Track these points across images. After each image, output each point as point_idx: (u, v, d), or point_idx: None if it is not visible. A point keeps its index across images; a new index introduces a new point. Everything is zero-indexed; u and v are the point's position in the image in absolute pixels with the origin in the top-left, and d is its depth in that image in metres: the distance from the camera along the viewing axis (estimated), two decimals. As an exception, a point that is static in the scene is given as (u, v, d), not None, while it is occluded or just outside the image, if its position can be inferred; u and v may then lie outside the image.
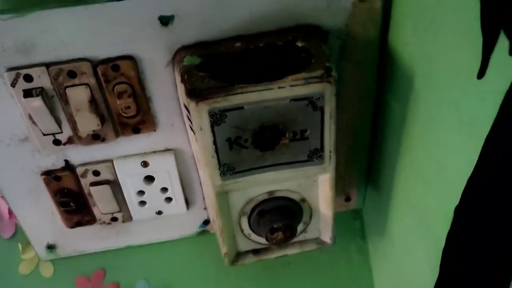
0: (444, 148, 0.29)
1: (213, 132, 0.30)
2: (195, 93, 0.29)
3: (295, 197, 0.36)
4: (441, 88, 0.29)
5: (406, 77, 0.33)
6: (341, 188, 0.45)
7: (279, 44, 0.33)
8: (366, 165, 0.44)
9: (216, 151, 0.31)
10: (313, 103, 0.30)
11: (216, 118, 0.30)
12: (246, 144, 0.31)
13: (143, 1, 0.31)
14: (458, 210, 0.29)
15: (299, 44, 0.32)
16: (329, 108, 0.30)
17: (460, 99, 0.27)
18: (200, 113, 0.29)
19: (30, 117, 0.34)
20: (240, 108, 0.29)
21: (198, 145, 0.31)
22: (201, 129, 0.30)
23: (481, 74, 0.25)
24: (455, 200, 0.29)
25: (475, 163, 0.26)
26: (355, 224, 0.47)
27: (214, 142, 0.31)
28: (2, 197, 0.45)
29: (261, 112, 0.30)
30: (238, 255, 0.39)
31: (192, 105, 0.29)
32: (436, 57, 0.29)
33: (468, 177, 0.27)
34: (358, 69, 0.37)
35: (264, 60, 0.31)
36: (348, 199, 0.46)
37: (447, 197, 0.30)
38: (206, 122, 0.30)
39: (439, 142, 0.30)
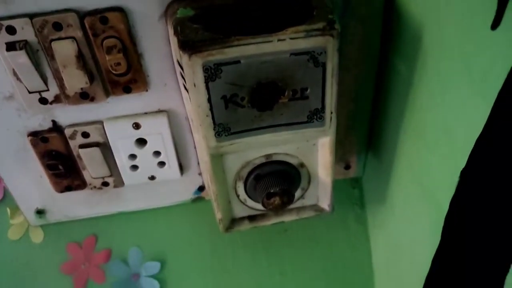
0: (452, 109, 0.28)
1: (207, 88, 0.28)
2: (188, 45, 0.27)
3: (294, 161, 0.35)
4: (451, 44, 0.27)
5: (414, 34, 0.31)
6: (340, 155, 0.43)
7: (279, -5, 0.30)
8: (367, 131, 0.42)
9: (211, 109, 0.29)
10: (315, 58, 0.28)
11: (211, 73, 0.28)
12: (243, 103, 0.30)
13: None
14: (464, 173, 0.28)
15: (300, -5, 0.30)
16: (331, 64, 0.29)
17: (471, 54, 0.25)
18: (194, 67, 0.27)
19: (15, 73, 0.32)
20: (236, 62, 0.28)
21: (192, 103, 0.29)
22: (194, 85, 0.28)
23: (495, 24, 0.23)
24: (461, 164, 0.27)
25: (484, 123, 0.25)
26: (354, 193, 0.46)
27: (209, 100, 0.29)
28: (-11, 160, 0.43)
29: (259, 67, 0.28)
30: (233, 222, 0.38)
31: (185, 59, 0.27)
32: (446, 9, 0.27)
33: (476, 139, 0.26)
34: (361, 26, 0.35)
35: (263, 11, 0.29)
36: (347, 167, 0.45)
37: (452, 161, 0.28)
38: (200, 77, 0.28)
39: (447, 102, 0.28)
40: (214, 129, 0.31)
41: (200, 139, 0.31)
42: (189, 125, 0.38)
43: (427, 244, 0.34)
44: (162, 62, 0.34)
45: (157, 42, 0.33)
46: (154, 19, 0.32)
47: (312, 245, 0.46)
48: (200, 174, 0.42)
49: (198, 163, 0.41)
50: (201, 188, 0.43)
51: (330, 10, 0.28)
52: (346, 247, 0.46)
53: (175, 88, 0.35)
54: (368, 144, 0.43)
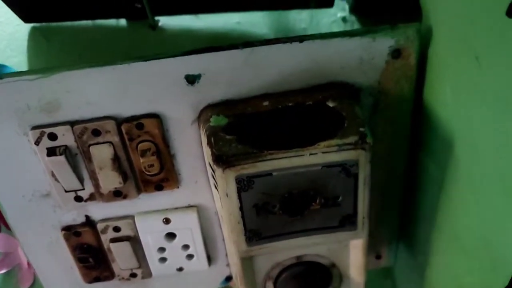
0: (490, 223, 0.27)
1: (239, 198, 0.29)
2: (221, 159, 0.27)
3: (325, 262, 0.34)
4: (485, 156, 0.27)
5: (445, 140, 0.31)
6: (371, 245, 0.42)
7: (309, 104, 0.31)
8: (397, 223, 0.41)
9: (242, 216, 0.30)
10: (347, 170, 0.28)
11: (243, 185, 0.28)
12: (274, 210, 0.30)
13: (170, 60, 0.30)
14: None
15: (330, 104, 0.31)
16: (364, 174, 0.29)
17: (507, 170, 0.25)
18: (227, 180, 0.28)
19: (53, 174, 0.33)
20: (268, 174, 0.28)
21: (224, 211, 0.29)
22: (227, 195, 0.28)
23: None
24: (504, 280, 0.26)
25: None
26: (385, 284, 0.45)
27: (241, 208, 0.29)
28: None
29: (291, 178, 0.28)
30: (262, 320, 0.37)
31: (218, 172, 0.28)
32: (479, 123, 0.27)
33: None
34: (390, 126, 0.35)
35: (294, 122, 0.30)
36: (378, 256, 0.43)
37: (493, 276, 0.27)
38: (232, 188, 0.28)
39: (484, 215, 0.28)
40: (245, 235, 0.31)
41: (231, 243, 0.31)
42: (218, 219, 0.38)
43: None
44: (194, 162, 0.35)
45: (189, 144, 0.34)
46: (187, 124, 0.33)
47: None
48: (228, 265, 0.41)
49: (226, 255, 0.41)
50: (228, 278, 0.43)
51: (361, 122, 0.29)
52: None
53: (206, 184, 0.36)
54: (399, 234, 0.42)
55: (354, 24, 0.52)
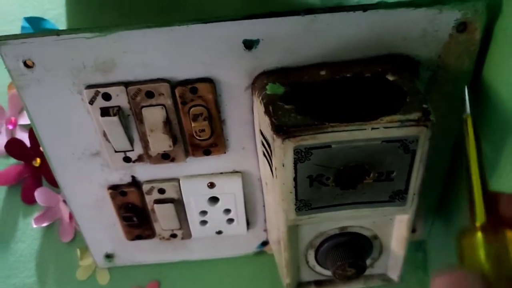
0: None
1: (295, 169, 0.29)
2: (281, 130, 0.27)
3: (368, 233, 0.34)
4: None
5: (503, 121, 0.30)
6: (407, 219, 0.42)
7: (367, 76, 0.31)
8: (437, 199, 0.41)
9: (295, 187, 0.30)
10: (406, 146, 0.28)
11: (301, 156, 0.28)
12: (328, 182, 0.30)
13: (229, 24, 0.30)
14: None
15: (390, 77, 0.30)
16: (421, 151, 0.28)
17: None
18: (285, 150, 0.28)
19: (104, 134, 0.33)
20: (327, 146, 0.28)
21: (277, 181, 0.29)
22: (283, 165, 0.28)
23: None
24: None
25: None
26: (417, 256, 0.45)
27: (295, 179, 0.29)
28: (64, 201, 0.45)
29: (349, 151, 0.28)
30: (299, 285, 0.38)
31: (277, 142, 0.27)
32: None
33: None
34: (445, 101, 0.34)
35: (353, 94, 0.29)
36: (413, 230, 0.44)
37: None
38: (290, 159, 0.28)
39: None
40: (295, 204, 0.31)
41: (280, 211, 0.32)
42: (261, 185, 0.38)
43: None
44: (243, 128, 0.34)
45: (240, 110, 0.34)
46: (240, 90, 0.32)
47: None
48: (265, 230, 0.42)
49: (265, 220, 0.41)
50: (264, 243, 0.43)
51: (424, 98, 0.28)
52: (407, 311, 0.45)
53: (252, 151, 0.36)
54: (436, 209, 0.42)
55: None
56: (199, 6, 0.51)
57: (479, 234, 0.17)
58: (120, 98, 0.32)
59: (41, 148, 0.45)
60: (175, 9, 0.50)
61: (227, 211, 0.39)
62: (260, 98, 0.30)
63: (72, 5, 0.51)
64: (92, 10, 0.51)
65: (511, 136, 0.30)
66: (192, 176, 0.37)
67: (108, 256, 0.43)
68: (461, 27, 0.30)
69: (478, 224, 0.18)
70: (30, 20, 0.48)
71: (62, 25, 0.50)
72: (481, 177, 0.18)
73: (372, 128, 0.27)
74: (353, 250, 0.34)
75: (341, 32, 0.30)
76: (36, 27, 0.48)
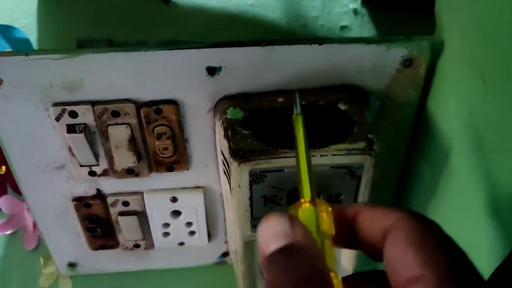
0: (476, 235, 0.30)
1: (250, 189, 0.31)
2: (238, 154, 0.29)
3: (319, 249, 0.37)
4: (480, 174, 0.29)
5: (443, 149, 0.33)
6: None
7: (321, 104, 0.33)
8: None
9: (251, 205, 0.32)
10: (352, 172, 0.30)
11: (256, 178, 0.30)
12: (281, 202, 0.32)
13: (193, 51, 0.31)
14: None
15: (342, 107, 0.33)
16: (367, 177, 0.31)
17: (498, 190, 0.27)
18: (241, 173, 0.30)
19: (70, 149, 0.35)
20: (280, 170, 0.30)
21: (234, 199, 0.32)
22: (239, 186, 0.30)
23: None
24: None
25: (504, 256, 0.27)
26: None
27: (250, 198, 0.31)
28: (28, 210, 0.46)
29: (300, 175, 0.30)
30: (256, 296, 0.40)
31: (234, 165, 0.29)
32: (478, 141, 0.29)
33: (496, 267, 0.28)
34: (392, 129, 0.37)
35: (307, 122, 0.31)
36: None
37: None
38: (245, 180, 0.30)
39: (471, 228, 0.30)
40: (251, 222, 0.33)
41: (236, 228, 0.34)
42: (222, 200, 0.40)
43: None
44: (205, 147, 0.36)
45: (203, 130, 0.35)
46: (203, 112, 0.34)
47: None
48: (225, 242, 0.44)
49: (225, 233, 0.43)
50: (225, 254, 0.45)
51: (370, 128, 0.31)
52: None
53: (214, 168, 0.38)
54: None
55: (364, 16, 0.53)
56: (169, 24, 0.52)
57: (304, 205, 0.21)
58: (86, 116, 0.33)
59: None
60: (146, 25, 0.52)
61: (189, 224, 0.41)
62: (221, 121, 0.32)
63: (43, 14, 0.52)
64: (64, 20, 0.52)
65: (448, 164, 0.33)
66: (155, 190, 0.39)
67: (71, 265, 0.44)
68: (407, 62, 0.33)
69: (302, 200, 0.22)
70: (0, 28, 0.48)
71: (32, 34, 0.51)
72: (308, 167, 0.23)
73: (321, 155, 0.30)
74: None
75: (298, 62, 0.33)
76: (7, 35, 0.49)
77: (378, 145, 0.30)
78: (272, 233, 0.20)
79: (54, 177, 0.37)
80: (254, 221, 0.33)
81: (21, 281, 0.45)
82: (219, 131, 0.33)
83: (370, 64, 0.33)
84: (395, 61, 0.33)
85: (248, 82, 0.33)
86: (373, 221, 0.20)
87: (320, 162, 0.30)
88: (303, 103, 0.33)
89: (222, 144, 0.32)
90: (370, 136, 0.30)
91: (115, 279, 0.46)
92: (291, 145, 0.30)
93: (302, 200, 0.23)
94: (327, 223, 0.21)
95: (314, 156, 0.29)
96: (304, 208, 0.22)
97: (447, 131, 0.33)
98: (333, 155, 0.29)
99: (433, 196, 0.35)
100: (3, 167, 0.46)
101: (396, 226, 0.19)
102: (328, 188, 0.31)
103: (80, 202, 0.39)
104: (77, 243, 0.42)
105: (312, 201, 0.22)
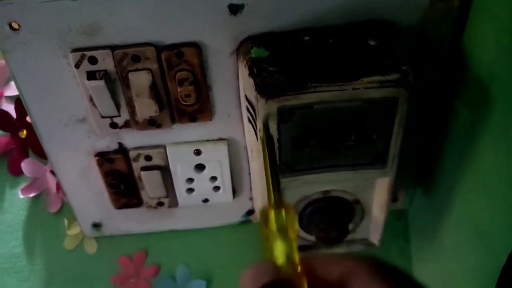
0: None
1: (278, 130, 0.29)
2: (265, 90, 0.28)
3: (349, 198, 0.35)
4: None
5: (482, 84, 0.31)
6: (389, 188, 0.44)
7: (350, 41, 0.31)
8: (417, 166, 0.42)
9: (279, 148, 0.30)
10: (386, 107, 0.29)
11: (284, 116, 0.29)
12: (310, 144, 0.30)
13: (214, -12, 0.30)
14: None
15: (371, 42, 0.31)
16: (401, 113, 0.29)
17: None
18: (269, 110, 0.28)
19: (91, 99, 0.34)
20: (310, 107, 0.28)
21: (260, 143, 0.30)
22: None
23: None
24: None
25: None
26: (398, 225, 0.47)
27: (278, 140, 0.30)
28: (51, 172, 0.45)
29: (331, 112, 0.29)
30: (284, 250, 0.39)
31: (261, 102, 0.28)
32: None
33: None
34: (425, 67, 0.35)
35: (335, 57, 0.30)
36: (395, 199, 0.45)
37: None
38: (273, 119, 0.29)
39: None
40: (279, 166, 0.32)
41: (263, 173, 0.32)
42: (247, 153, 0.39)
43: (478, 287, 0.34)
44: (229, 94, 0.35)
45: (226, 76, 0.34)
46: (226, 55, 0.33)
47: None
48: (251, 199, 0.43)
49: (250, 189, 0.42)
50: (250, 212, 0.44)
51: (403, 61, 0.29)
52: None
53: (238, 118, 0.37)
54: (417, 178, 0.43)
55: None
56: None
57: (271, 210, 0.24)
58: (106, 62, 0.32)
59: (27, 119, 0.45)
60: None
61: (213, 178, 0.40)
62: (245, 61, 0.31)
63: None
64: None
65: (488, 101, 0.31)
66: (178, 143, 0.38)
67: (96, 226, 0.44)
68: (441, -6, 0.31)
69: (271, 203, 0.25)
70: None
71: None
72: (272, 172, 0.26)
73: (353, 89, 0.28)
74: (336, 214, 0.36)
75: (325, -3, 0.31)
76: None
77: (413, 76, 0.28)
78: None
79: (76, 132, 0.36)
80: (282, 166, 0.32)
81: (46, 244, 0.45)
82: (243, 72, 0.31)
83: (401, -3, 0.31)
84: (428, -7, 0.31)
85: (272, 20, 0.32)
86: (330, 267, 0.23)
87: (352, 97, 0.28)
88: (330, 40, 0.31)
89: (247, 86, 0.31)
90: (404, 67, 0.28)
91: (140, 240, 0.45)
92: (320, 79, 0.28)
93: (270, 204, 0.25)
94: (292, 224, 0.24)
95: (346, 90, 0.28)
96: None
97: (486, 66, 0.31)
98: (365, 88, 0.28)
99: (471, 134, 0.33)
100: (24, 131, 0.46)
101: (356, 269, 0.22)
102: (360, 126, 0.30)
103: (103, 157, 0.38)
104: (101, 203, 0.41)
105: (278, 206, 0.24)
